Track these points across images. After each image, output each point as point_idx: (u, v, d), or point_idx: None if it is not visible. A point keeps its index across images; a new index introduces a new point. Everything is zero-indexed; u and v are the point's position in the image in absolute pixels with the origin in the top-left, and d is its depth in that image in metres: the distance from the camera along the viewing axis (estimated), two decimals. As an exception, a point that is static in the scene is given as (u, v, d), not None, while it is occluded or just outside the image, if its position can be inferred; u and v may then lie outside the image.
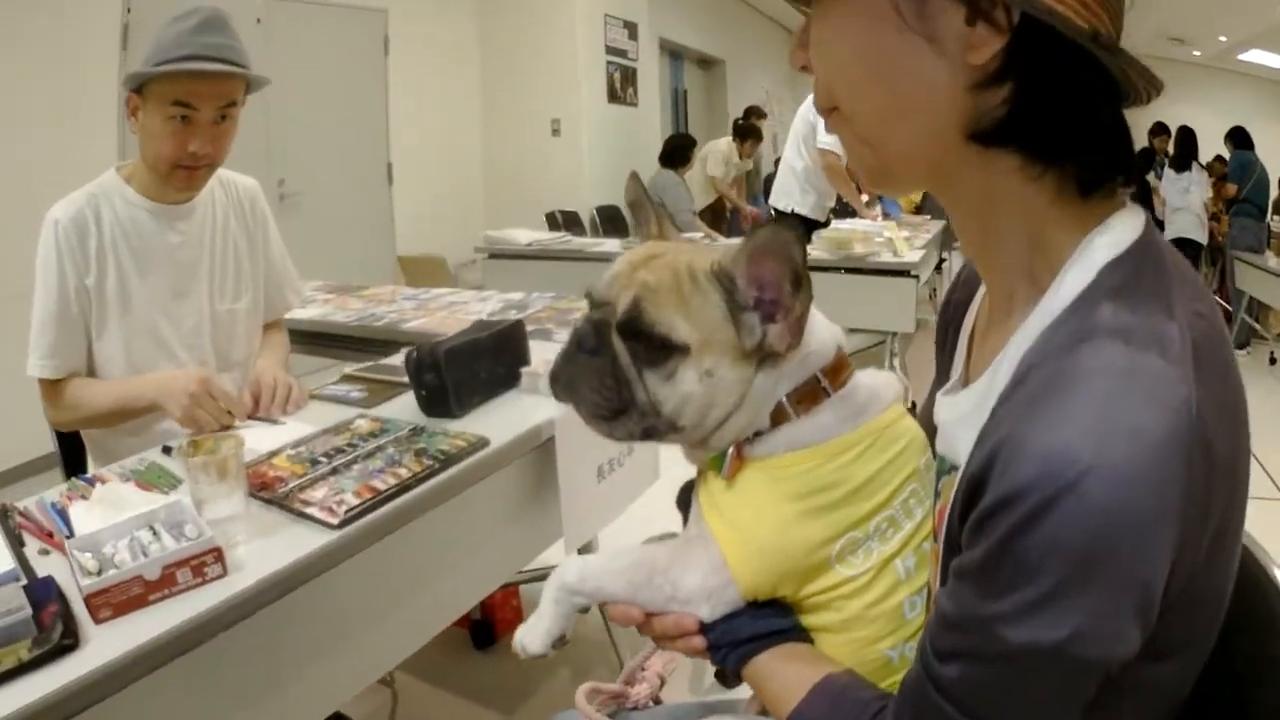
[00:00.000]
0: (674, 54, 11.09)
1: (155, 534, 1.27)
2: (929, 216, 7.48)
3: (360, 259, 6.51)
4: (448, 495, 1.58)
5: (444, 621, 1.68)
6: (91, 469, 2.13)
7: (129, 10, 4.87)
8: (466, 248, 6.40)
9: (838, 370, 0.94)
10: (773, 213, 6.22)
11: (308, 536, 1.36)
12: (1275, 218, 8.10)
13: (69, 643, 1.08)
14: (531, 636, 1.01)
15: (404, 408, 1.92)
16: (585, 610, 1.01)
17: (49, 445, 2.19)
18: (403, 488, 1.50)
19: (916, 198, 11.04)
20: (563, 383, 0.94)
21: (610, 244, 5.46)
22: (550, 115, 7.92)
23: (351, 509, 1.41)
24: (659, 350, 0.87)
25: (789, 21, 15.63)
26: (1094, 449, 0.58)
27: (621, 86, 8.49)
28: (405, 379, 2.05)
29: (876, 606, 0.90)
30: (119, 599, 1.16)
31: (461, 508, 1.64)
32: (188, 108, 1.86)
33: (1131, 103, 0.72)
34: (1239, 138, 8.31)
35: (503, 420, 1.83)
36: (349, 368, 2.29)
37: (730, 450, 0.93)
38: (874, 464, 0.91)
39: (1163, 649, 0.66)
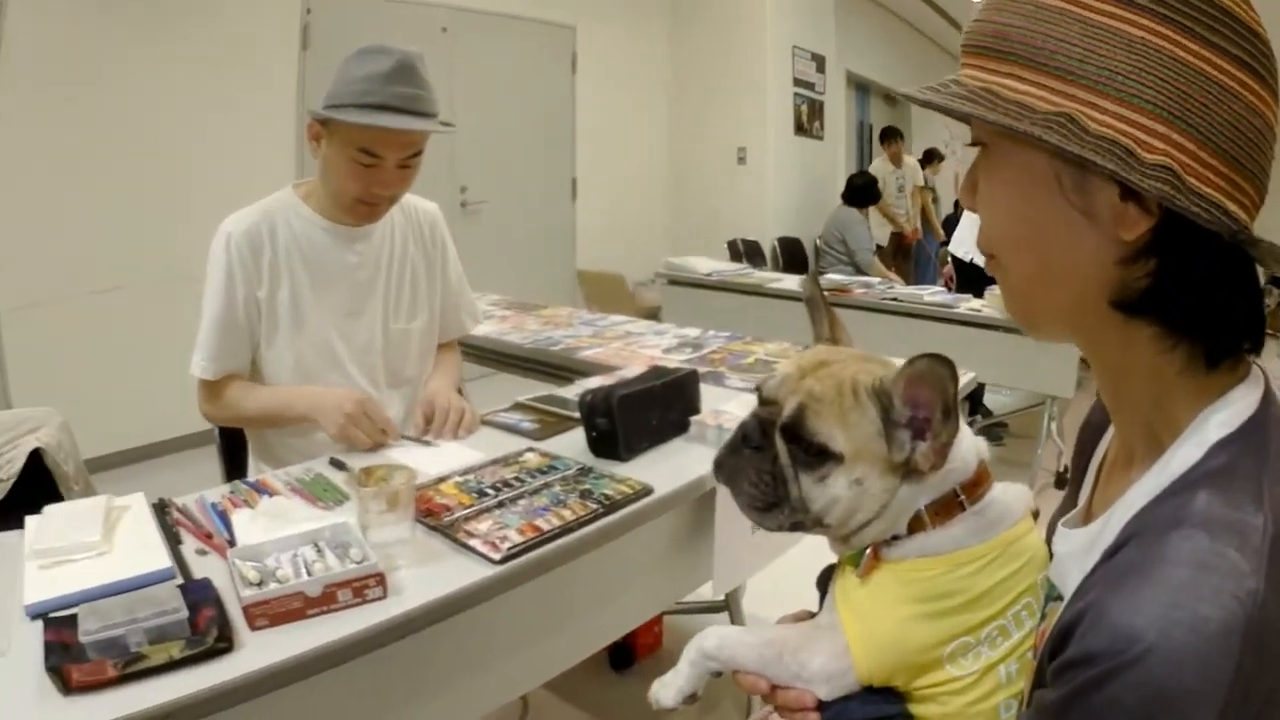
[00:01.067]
0: (860, 87, 10.99)
1: (319, 552, 1.34)
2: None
3: (540, 272, 6.68)
4: (607, 539, 1.62)
5: (588, 651, 1.73)
6: (251, 464, 2.22)
7: (309, 11, 5.09)
8: (645, 267, 6.47)
9: (976, 484, 1.00)
10: (949, 259, 6.09)
11: (468, 568, 1.42)
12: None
13: (224, 646, 1.16)
14: (666, 692, 1.11)
15: (572, 444, 1.96)
16: (718, 675, 1.09)
17: (208, 424, 2.21)
18: (565, 529, 1.54)
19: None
20: (726, 471, 1.04)
21: (789, 280, 5.39)
22: (736, 144, 7.94)
23: (514, 546, 1.45)
24: (816, 456, 0.96)
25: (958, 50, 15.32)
26: (1158, 632, 0.64)
27: (808, 119, 8.45)
28: (576, 414, 2.09)
29: (977, 705, 0.96)
30: (278, 610, 1.23)
31: (619, 550, 1.68)
32: (374, 155, 1.87)
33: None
34: None
35: (668, 468, 1.86)
36: (517, 388, 2.34)
37: (868, 551, 1.01)
38: (996, 577, 0.97)
39: None
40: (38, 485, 2.33)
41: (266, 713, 1.17)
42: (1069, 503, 1.04)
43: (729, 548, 1.96)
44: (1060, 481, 4.36)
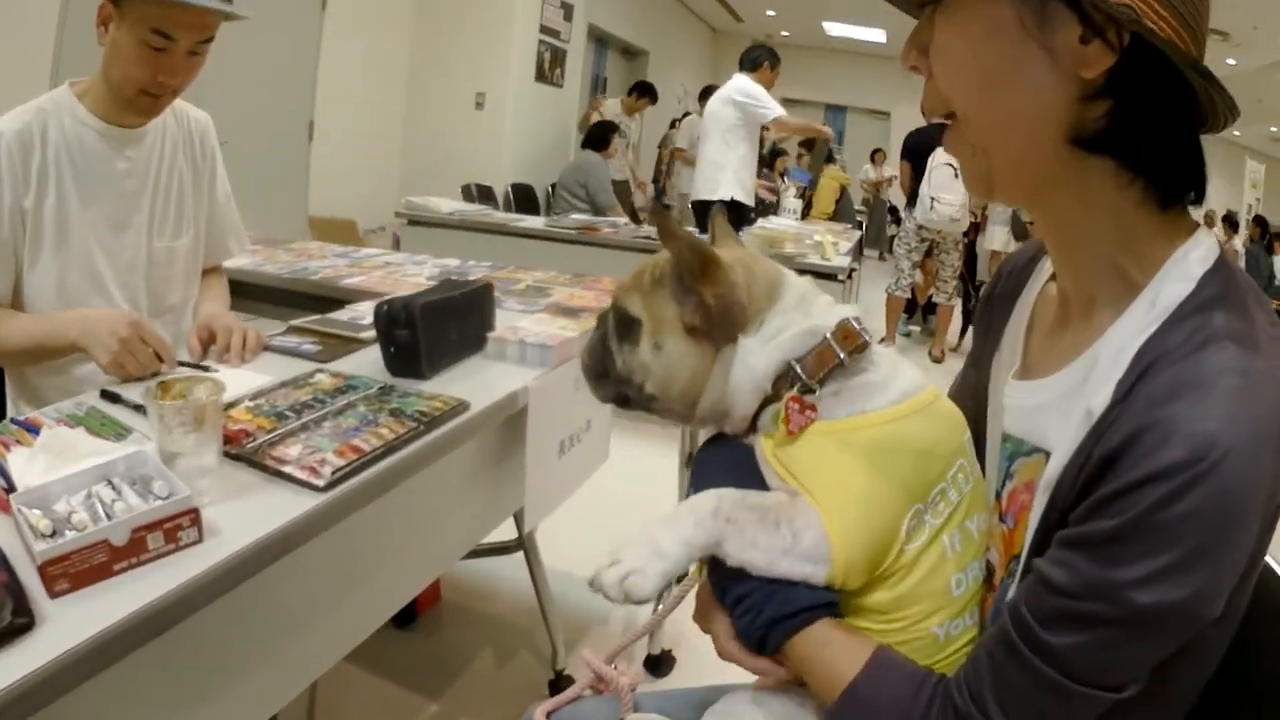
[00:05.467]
0: (600, 40, 10.96)
1: (116, 490, 1.09)
2: (848, 226, 7.53)
3: (272, 216, 6.21)
4: (429, 460, 1.45)
5: (414, 591, 1.59)
6: (10, 406, 1.95)
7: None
8: (377, 213, 6.19)
9: (847, 338, 0.94)
10: (690, 206, 6.21)
11: (289, 499, 1.21)
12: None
13: (24, 622, 0.90)
14: (642, 579, 0.86)
15: (364, 365, 1.77)
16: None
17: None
18: (389, 449, 1.36)
19: (829, 208, 11.19)
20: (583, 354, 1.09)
21: (534, 221, 5.35)
22: (476, 88, 7.73)
23: (338, 470, 1.26)
24: (624, 325, 1.01)
25: (716, 21, 15.73)
26: (1232, 435, 0.67)
27: (550, 67, 8.33)
28: (360, 335, 1.94)
29: (926, 583, 0.90)
30: (79, 568, 0.97)
31: (439, 474, 1.52)
32: (166, 37, 1.74)
33: (1209, 129, 0.80)
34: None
35: (474, 384, 1.70)
36: (288, 324, 2.11)
37: (786, 399, 0.93)
38: (933, 432, 0.93)
39: (1224, 611, 0.73)
40: None
41: (84, 710, 0.92)
42: (979, 364, 1.08)
43: (539, 470, 1.84)
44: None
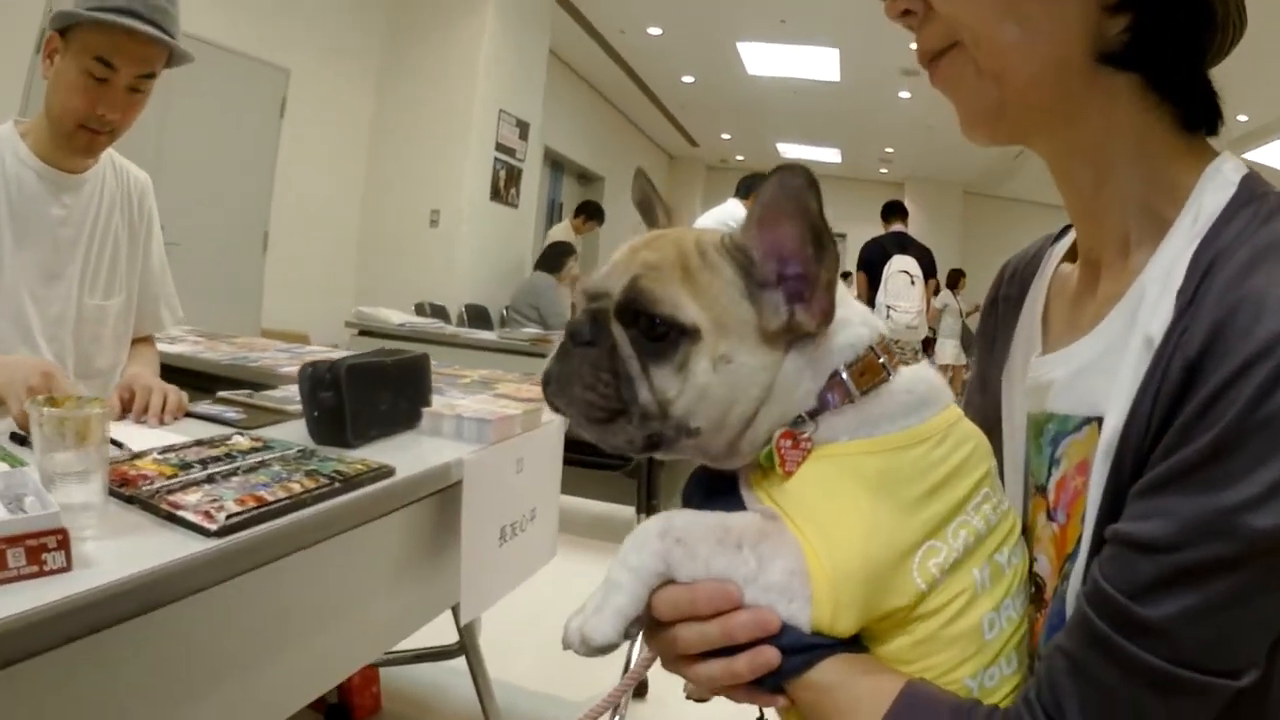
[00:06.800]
0: (556, 164, 11.10)
1: None
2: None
3: (226, 324, 6.09)
4: (345, 524, 1.33)
5: (326, 684, 1.43)
6: None
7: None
8: (331, 328, 6.08)
9: (888, 353, 0.79)
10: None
11: (177, 543, 1.08)
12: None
13: None
14: (599, 620, 0.75)
15: (288, 433, 1.66)
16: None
17: None
18: (295, 503, 1.24)
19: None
20: (554, 384, 0.78)
21: (487, 335, 5.28)
22: (431, 205, 7.70)
23: (233, 515, 1.14)
24: (664, 337, 0.74)
25: (671, 146, 16.08)
26: None
27: (505, 185, 8.35)
28: (288, 407, 1.83)
29: (954, 625, 0.74)
30: None
31: (356, 545, 1.38)
32: (108, 66, 1.76)
33: (1216, 52, 0.74)
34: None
35: (404, 458, 1.57)
36: (216, 395, 2.00)
37: (777, 437, 0.75)
38: (955, 458, 0.76)
39: None
40: None
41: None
42: (989, 372, 0.95)
43: (476, 557, 1.69)
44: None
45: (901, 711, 0.69)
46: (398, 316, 5.30)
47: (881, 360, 0.77)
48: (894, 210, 7.68)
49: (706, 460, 0.81)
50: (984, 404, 0.94)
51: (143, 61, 1.80)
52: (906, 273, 6.36)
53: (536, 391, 2.42)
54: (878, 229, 7.60)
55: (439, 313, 7.13)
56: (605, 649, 0.74)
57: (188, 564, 1.04)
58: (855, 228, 14.21)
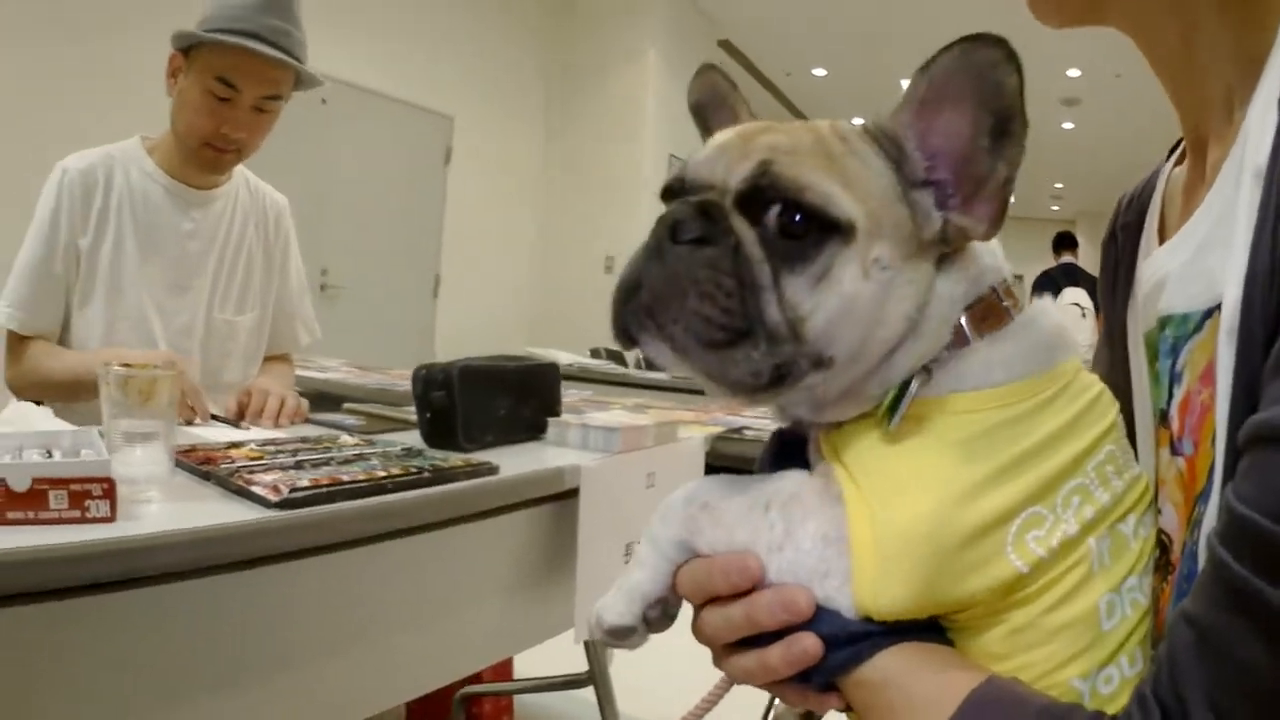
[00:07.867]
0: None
1: (50, 457, 1.02)
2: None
3: (395, 366, 6.30)
4: (433, 519, 1.26)
5: (403, 692, 1.35)
6: None
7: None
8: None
9: (1009, 294, 0.66)
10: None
11: (236, 512, 1.05)
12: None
13: None
14: (613, 599, 0.67)
15: (403, 440, 1.61)
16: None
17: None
18: (374, 487, 1.18)
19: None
20: (644, 295, 0.60)
21: (662, 376, 5.10)
22: (605, 252, 7.76)
23: (299, 489, 1.09)
24: (802, 236, 0.58)
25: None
26: None
27: (681, 229, 8.35)
28: (411, 416, 1.78)
29: (1059, 610, 0.59)
30: None
31: (451, 545, 1.32)
32: (230, 87, 1.76)
33: None
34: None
35: (517, 461, 1.50)
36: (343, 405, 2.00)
37: (914, 382, 0.62)
38: (1064, 415, 0.62)
39: None
40: None
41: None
42: (1112, 323, 0.80)
43: (594, 572, 1.58)
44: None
45: (969, 712, 0.54)
46: (566, 356, 5.30)
47: (1006, 304, 0.65)
48: (1064, 242, 7.41)
49: (811, 409, 0.66)
50: (1112, 358, 0.78)
51: (266, 83, 1.80)
52: (1078, 304, 6.03)
53: (684, 414, 2.35)
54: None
55: (614, 356, 7.14)
56: (621, 633, 0.66)
57: (240, 530, 1.01)
58: (1030, 269, 13.73)
